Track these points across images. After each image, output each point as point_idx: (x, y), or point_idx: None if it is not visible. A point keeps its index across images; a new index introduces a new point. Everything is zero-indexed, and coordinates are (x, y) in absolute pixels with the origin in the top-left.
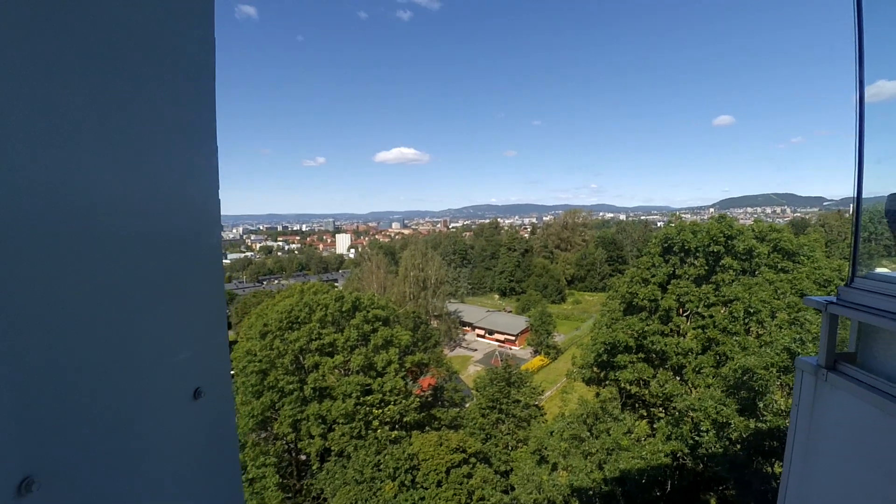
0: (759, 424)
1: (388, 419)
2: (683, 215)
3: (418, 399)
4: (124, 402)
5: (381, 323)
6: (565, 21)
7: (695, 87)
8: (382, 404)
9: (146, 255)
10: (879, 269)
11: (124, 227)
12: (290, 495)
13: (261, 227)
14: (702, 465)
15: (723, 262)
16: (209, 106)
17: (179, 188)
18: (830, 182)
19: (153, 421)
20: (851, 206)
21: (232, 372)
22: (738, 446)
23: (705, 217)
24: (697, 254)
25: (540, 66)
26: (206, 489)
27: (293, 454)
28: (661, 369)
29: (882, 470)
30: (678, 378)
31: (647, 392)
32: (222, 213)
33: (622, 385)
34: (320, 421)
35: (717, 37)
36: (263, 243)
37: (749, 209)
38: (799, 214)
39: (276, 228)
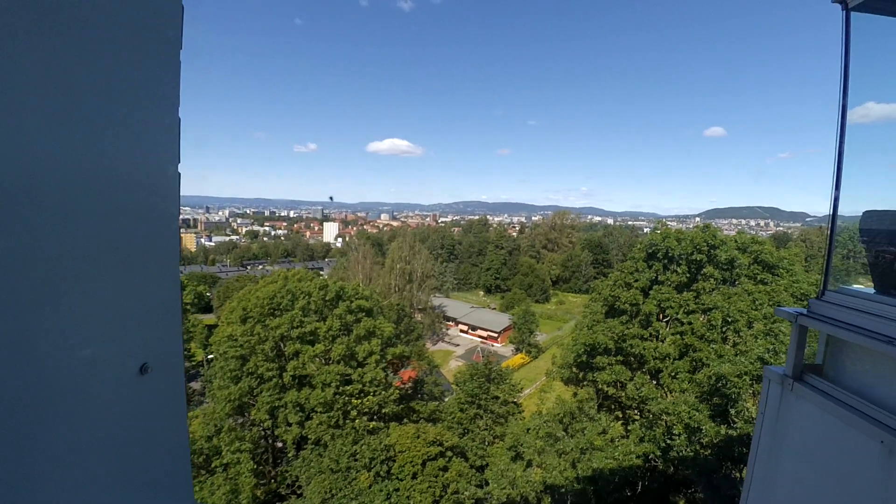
0: (730, 431)
1: (366, 410)
2: (669, 223)
3: (398, 391)
4: (65, 376)
5: (364, 314)
6: (567, 24)
7: (689, 97)
8: (362, 395)
9: (94, 229)
10: (853, 285)
11: (71, 200)
12: (264, 482)
13: (248, 211)
14: (672, 468)
15: (705, 270)
16: (172, 77)
17: (134, 162)
18: (814, 199)
19: (96, 396)
20: (828, 219)
21: (211, 356)
22: (709, 451)
23: (691, 226)
24: (680, 261)
25: (540, 66)
26: (152, 465)
27: (269, 441)
28: (638, 372)
29: (840, 480)
30: (654, 382)
31: (623, 394)
32: (210, 194)
33: (600, 386)
34: (298, 409)
35: (713, 50)
36: (250, 227)
37: (734, 220)
38: (782, 228)
39: (264, 213)
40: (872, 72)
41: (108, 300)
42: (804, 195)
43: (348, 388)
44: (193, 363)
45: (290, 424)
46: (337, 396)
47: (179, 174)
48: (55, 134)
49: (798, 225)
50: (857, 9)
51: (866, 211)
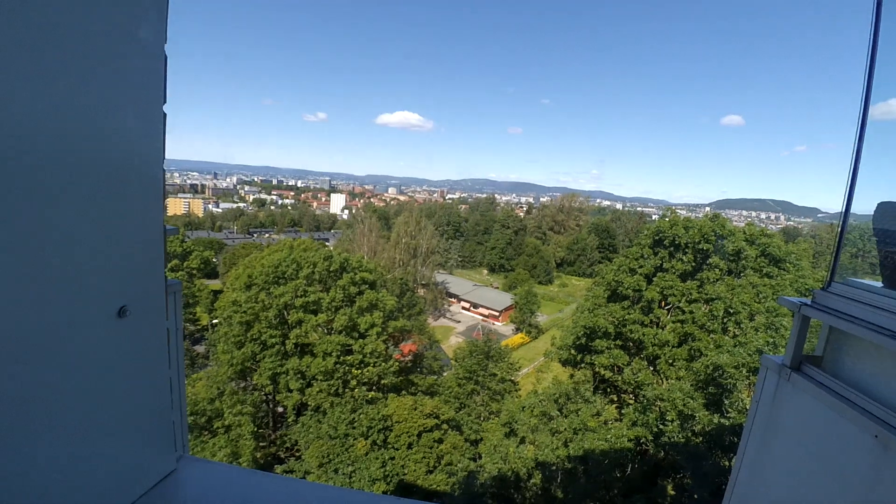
0: (723, 420)
1: (366, 380)
2: (679, 211)
3: (398, 363)
4: (37, 319)
5: (367, 286)
6: (585, 4)
7: (708, 84)
8: (362, 365)
9: (68, 173)
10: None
11: (46, 147)
12: (264, 444)
13: (256, 179)
14: (663, 453)
15: (710, 260)
16: (158, 31)
17: (112, 113)
18: (828, 195)
19: (70, 338)
20: (840, 210)
21: (215, 321)
22: (700, 438)
23: (700, 215)
24: (687, 250)
25: (557, 46)
26: (132, 413)
27: (270, 406)
28: (636, 358)
29: (831, 471)
30: (651, 368)
31: (619, 378)
32: (221, 160)
33: (597, 369)
34: (299, 376)
35: (736, 35)
36: (257, 195)
37: (744, 212)
38: (792, 223)
39: (272, 182)
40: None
41: (82, 239)
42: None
43: (349, 358)
44: (198, 327)
45: (290, 390)
46: (337, 366)
47: (165, 114)
48: (25, 79)
49: (809, 220)
50: None
51: (881, 202)
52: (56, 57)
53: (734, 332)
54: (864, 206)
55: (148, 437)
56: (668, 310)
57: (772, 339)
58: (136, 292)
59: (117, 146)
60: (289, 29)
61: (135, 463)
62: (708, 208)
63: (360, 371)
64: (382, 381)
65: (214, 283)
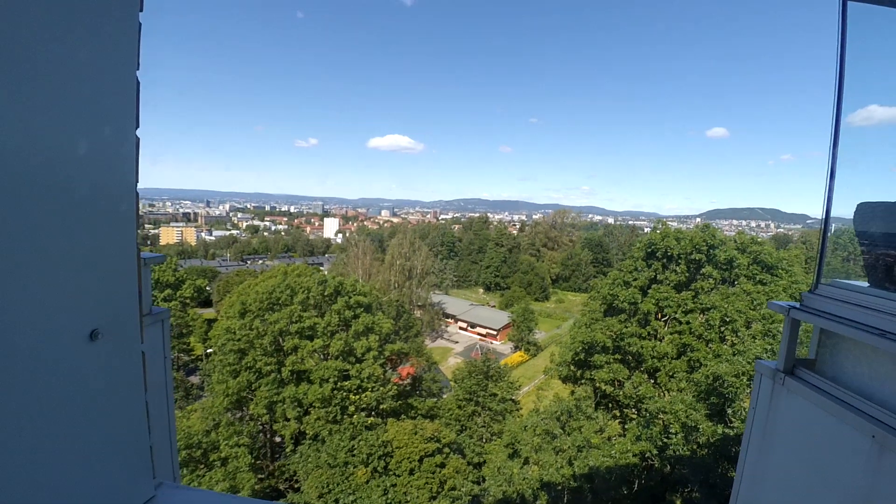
0: (727, 430)
1: (364, 405)
2: (670, 223)
3: (396, 387)
4: (7, 340)
5: (362, 309)
6: (567, 22)
7: (692, 97)
8: (360, 390)
9: (36, 188)
10: (845, 280)
11: (13, 169)
12: (263, 476)
13: (249, 206)
14: (669, 467)
15: (703, 270)
16: (129, 56)
17: (82, 137)
18: (815, 201)
19: (40, 364)
20: (822, 212)
21: (210, 349)
22: (705, 450)
23: (691, 226)
24: (679, 260)
25: (541, 64)
26: (106, 437)
27: (267, 435)
28: (636, 371)
29: (830, 474)
30: (652, 381)
31: (620, 393)
32: (213, 188)
33: (597, 384)
34: (296, 404)
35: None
36: (250, 222)
37: (734, 221)
38: (782, 230)
39: (265, 208)
40: (873, 73)
41: (52, 262)
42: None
43: (346, 383)
44: (192, 357)
45: (287, 419)
46: (335, 392)
47: (138, 139)
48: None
49: (799, 227)
50: None
51: (860, 203)
52: (23, 81)
53: (732, 341)
54: (848, 209)
55: (123, 463)
56: (665, 321)
57: (769, 346)
58: (109, 316)
59: (87, 170)
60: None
61: (109, 489)
62: (698, 219)
63: (357, 396)
64: (381, 406)
65: (208, 312)
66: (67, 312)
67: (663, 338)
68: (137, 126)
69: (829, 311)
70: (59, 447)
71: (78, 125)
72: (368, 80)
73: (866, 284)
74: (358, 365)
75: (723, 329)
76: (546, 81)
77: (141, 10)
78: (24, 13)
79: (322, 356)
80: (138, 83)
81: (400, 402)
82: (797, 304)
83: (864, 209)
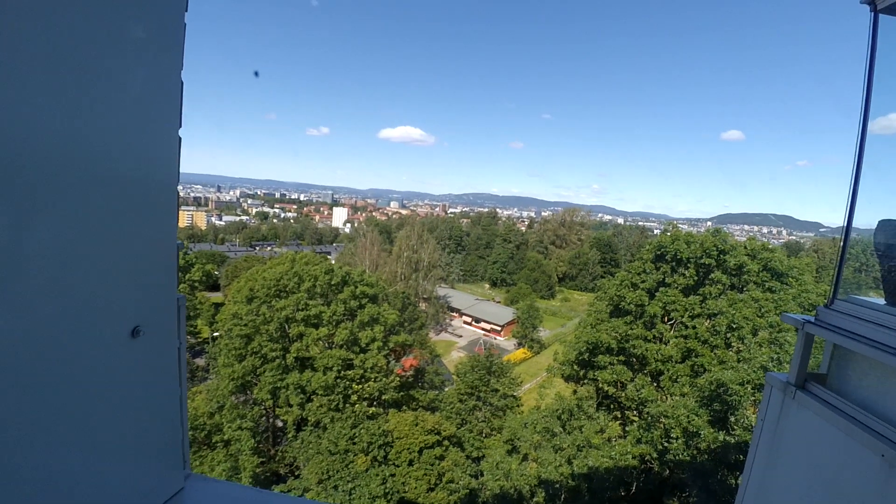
0: (728, 437)
1: (366, 395)
2: (680, 225)
3: (399, 378)
4: (56, 339)
5: (368, 300)
6: (585, 19)
7: (707, 98)
8: (363, 380)
9: (85, 195)
10: (863, 296)
11: (62, 163)
12: (264, 460)
13: (259, 192)
14: (668, 471)
15: (712, 275)
16: (176, 39)
17: (133, 131)
18: (830, 209)
19: (85, 358)
20: (842, 227)
21: (217, 333)
22: (706, 456)
23: (702, 229)
24: (689, 264)
25: (556, 61)
26: (143, 431)
27: (270, 420)
28: (639, 374)
29: (837, 491)
30: (655, 384)
31: (623, 394)
32: (221, 173)
33: (600, 385)
34: (299, 390)
35: (734, 47)
36: (260, 209)
37: (746, 227)
38: (794, 237)
39: (275, 195)
40: None
41: (97, 257)
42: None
43: (350, 372)
44: (199, 340)
45: (290, 405)
46: (338, 380)
47: (180, 138)
48: (47, 97)
49: (811, 235)
50: (887, 11)
51: (881, 220)
52: (78, 79)
53: (738, 348)
54: (866, 219)
55: (159, 455)
56: (671, 325)
57: (776, 355)
58: (150, 312)
59: (135, 166)
60: (292, 44)
61: (146, 481)
62: (709, 223)
63: (360, 386)
64: (383, 397)
65: (216, 296)
66: (112, 312)
67: (668, 341)
68: (180, 126)
69: (844, 328)
70: (100, 442)
71: (129, 126)
72: (383, 70)
73: (883, 301)
74: (362, 355)
75: (729, 336)
76: (561, 79)
77: (186, 10)
78: (85, 28)
79: (327, 345)
80: (182, 84)
81: (402, 393)
82: (812, 319)
83: (885, 226)
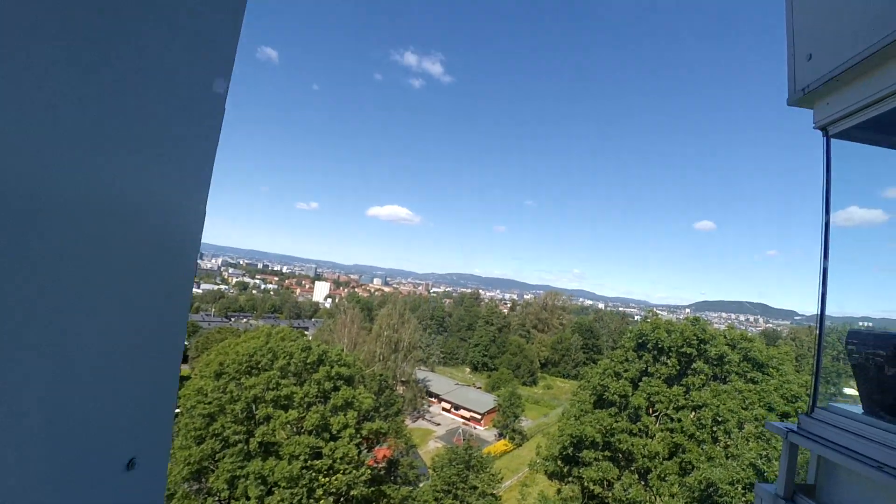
0: None
1: (333, 490)
2: (660, 312)
3: (370, 471)
4: (50, 471)
5: (343, 382)
6: (569, 111)
7: (681, 189)
8: (330, 472)
9: (95, 312)
10: (840, 403)
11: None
12: None
13: (241, 262)
14: None
15: (694, 365)
16: (217, 110)
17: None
18: (802, 298)
19: (81, 494)
20: (814, 332)
21: (177, 410)
22: None
23: (681, 316)
24: (670, 353)
25: (543, 149)
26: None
27: None
28: (626, 471)
29: None
30: (643, 483)
31: (610, 494)
32: (208, 241)
33: (585, 483)
34: (260, 481)
35: (703, 146)
36: (240, 278)
37: (724, 314)
38: (771, 325)
39: (257, 265)
40: (851, 190)
41: (106, 390)
42: (792, 293)
43: (317, 462)
44: None
45: (248, 498)
46: (304, 471)
47: (205, 212)
48: (68, 143)
49: (787, 322)
50: (837, 136)
51: (851, 330)
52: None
53: (725, 442)
54: (837, 308)
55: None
56: (656, 417)
57: (764, 452)
58: (146, 442)
59: (161, 201)
60: (293, 122)
61: None
62: (688, 310)
63: (328, 479)
64: (352, 492)
65: (184, 369)
66: (112, 439)
67: (654, 435)
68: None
69: (825, 437)
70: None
71: (163, 161)
72: (376, 152)
73: (861, 411)
74: (332, 443)
75: (715, 429)
76: (543, 166)
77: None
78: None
79: (295, 430)
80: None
81: (373, 488)
82: (795, 427)
83: (854, 336)
